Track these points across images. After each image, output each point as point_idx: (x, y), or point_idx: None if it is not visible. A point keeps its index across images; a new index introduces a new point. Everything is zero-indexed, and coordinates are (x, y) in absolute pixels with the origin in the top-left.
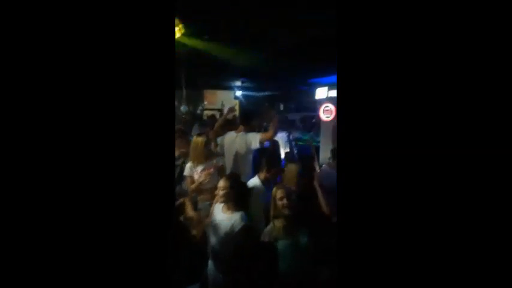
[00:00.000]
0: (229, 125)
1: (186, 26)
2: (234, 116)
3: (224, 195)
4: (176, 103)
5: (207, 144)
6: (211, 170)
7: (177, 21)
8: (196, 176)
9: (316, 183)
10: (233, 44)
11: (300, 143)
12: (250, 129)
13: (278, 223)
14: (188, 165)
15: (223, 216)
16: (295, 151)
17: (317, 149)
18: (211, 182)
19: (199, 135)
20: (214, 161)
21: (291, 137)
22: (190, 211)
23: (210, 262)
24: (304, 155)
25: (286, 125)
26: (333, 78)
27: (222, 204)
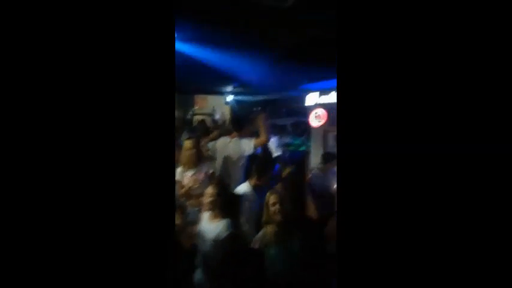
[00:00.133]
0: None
1: (177, 30)
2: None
3: (211, 203)
4: None
5: (197, 148)
6: (201, 176)
7: None
8: (185, 181)
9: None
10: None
11: (291, 147)
12: (243, 134)
13: (270, 229)
14: (178, 169)
15: (210, 224)
16: (286, 155)
17: (307, 153)
18: (201, 188)
19: (189, 139)
20: (205, 168)
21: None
22: (177, 217)
23: (198, 270)
24: (296, 159)
25: (277, 130)
26: (323, 85)
27: (209, 212)
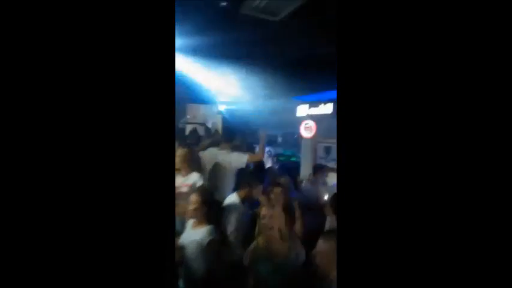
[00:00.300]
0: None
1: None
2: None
3: (194, 210)
4: None
5: (188, 157)
6: (186, 187)
7: None
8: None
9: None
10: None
11: (281, 158)
12: (233, 146)
13: (261, 242)
14: None
15: (193, 231)
16: (277, 166)
17: (298, 164)
18: (186, 197)
19: (180, 147)
20: (194, 177)
21: (272, 152)
22: None
23: (181, 279)
24: (287, 170)
25: (268, 141)
26: (313, 97)
27: (193, 219)
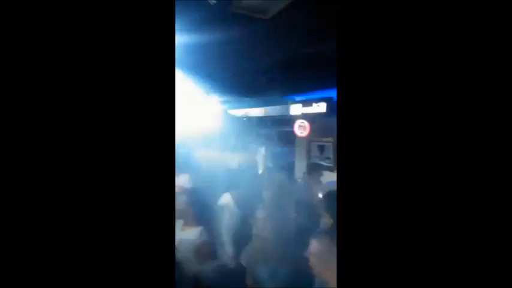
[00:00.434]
0: None
1: None
2: None
3: (183, 211)
4: None
5: None
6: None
7: None
8: None
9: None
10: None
11: (277, 157)
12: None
13: (257, 244)
14: None
15: (182, 232)
16: (273, 165)
17: (292, 164)
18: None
19: None
20: (180, 180)
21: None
22: None
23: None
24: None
25: (263, 139)
26: (306, 96)
27: (182, 220)
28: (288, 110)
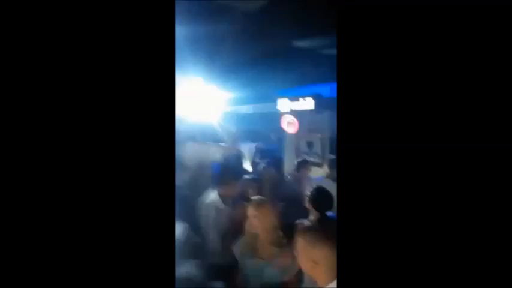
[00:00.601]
0: None
1: None
2: None
3: None
4: None
5: None
6: None
7: None
8: None
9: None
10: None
11: (266, 154)
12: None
13: (249, 239)
14: None
15: None
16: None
17: (281, 160)
18: None
19: None
20: None
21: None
22: None
23: None
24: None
25: (251, 136)
26: (295, 92)
27: None
28: (276, 105)
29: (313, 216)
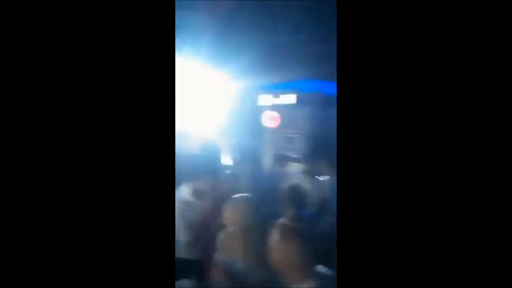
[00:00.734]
0: None
1: None
2: None
3: None
4: None
5: None
6: None
7: None
8: None
9: None
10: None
11: (245, 148)
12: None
13: (225, 235)
14: None
15: None
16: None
17: (260, 155)
18: None
19: None
20: None
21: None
22: None
23: None
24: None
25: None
26: (277, 87)
27: None
28: (257, 99)
29: (288, 213)
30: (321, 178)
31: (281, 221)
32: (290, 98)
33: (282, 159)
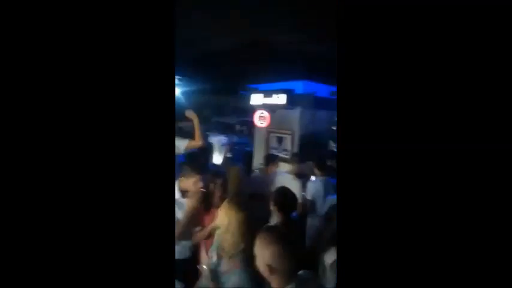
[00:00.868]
0: None
1: None
2: None
3: None
4: None
5: None
6: None
7: None
8: None
9: None
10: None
11: (237, 147)
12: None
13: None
14: None
15: None
16: (231, 155)
17: (251, 154)
18: None
19: None
20: None
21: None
22: None
23: None
24: (241, 159)
25: (224, 128)
26: (268, 86)
27: None
28: (248, 99)
29: (276, 216)
30: (311, 179)
31: (266, 225)
32: (281, 99)
33: (271, 159)
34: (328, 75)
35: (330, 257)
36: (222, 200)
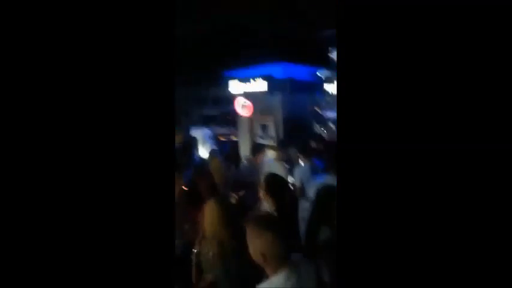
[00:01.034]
0: None
1: None
2: None
3: None
4: None
5: None
6: None
7: None
8: None
9: None
10: None
11: (222, 138)
12: None
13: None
14: None
15: None
16: (217, 147)
17: (236, 145)
18: None
19: None
20: None
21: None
22: None
23: None
24: (228, 149)
25: (206, 120)
26: (246, 73)
27: None
28: (227, 87)
29: (266, 203)
30: (300, 163)
31: (254, 213)
32: (261, 85)
33: (257, 148)
34: (307, 56)
35: (323, 234)
36: (209, 193)
